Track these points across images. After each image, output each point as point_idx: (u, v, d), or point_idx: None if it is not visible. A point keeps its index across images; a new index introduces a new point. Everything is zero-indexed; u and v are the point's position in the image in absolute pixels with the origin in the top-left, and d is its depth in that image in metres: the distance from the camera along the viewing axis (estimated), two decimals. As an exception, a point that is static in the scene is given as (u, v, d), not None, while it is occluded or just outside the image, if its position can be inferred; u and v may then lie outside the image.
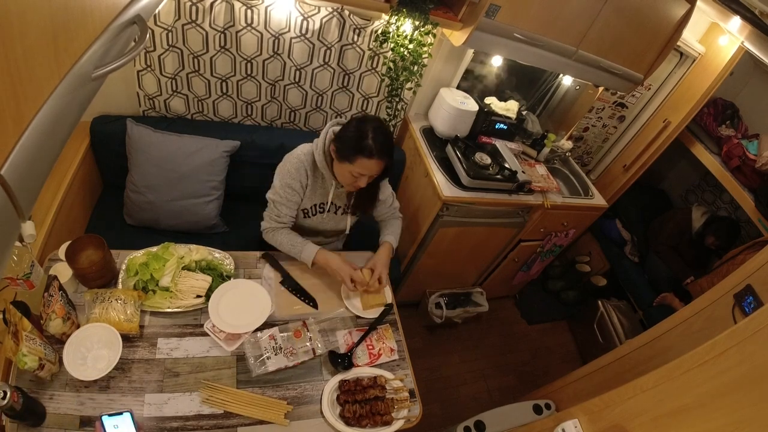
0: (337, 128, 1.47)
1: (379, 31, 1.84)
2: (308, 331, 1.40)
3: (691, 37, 2.41)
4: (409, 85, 2.03)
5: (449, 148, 2.17)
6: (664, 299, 2.67)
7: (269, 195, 1.53)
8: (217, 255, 1.53)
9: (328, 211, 1.59)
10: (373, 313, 1.57)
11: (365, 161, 1.35)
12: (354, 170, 1.37)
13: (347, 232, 1.69)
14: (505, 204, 2.16)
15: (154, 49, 1.71)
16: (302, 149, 1.50)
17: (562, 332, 3.13)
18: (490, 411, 1.76)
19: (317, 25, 1.77)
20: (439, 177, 2.05)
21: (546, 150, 2.44)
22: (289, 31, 1.78)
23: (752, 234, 2.71)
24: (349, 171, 1.38)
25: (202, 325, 1.37)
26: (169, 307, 1.35)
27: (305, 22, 1.76)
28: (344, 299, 1.55)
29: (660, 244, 2.90)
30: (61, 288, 1.18)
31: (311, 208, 1.58)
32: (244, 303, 1.40)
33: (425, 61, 1.94)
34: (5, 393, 0.93)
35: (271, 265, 1.58)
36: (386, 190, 1.66)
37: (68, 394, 1.13)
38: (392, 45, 1.86)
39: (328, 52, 1.88)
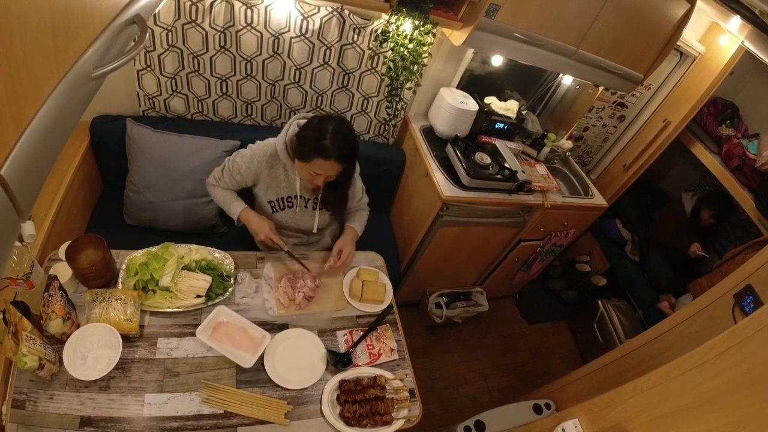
0: (302, 121, 1.47)
1: (379, 31, 1.84)
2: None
3: (691, 36, 2.41)
4: (409, 84, 2.03)
5: (449, 148, 2.17)
6: (663, 305, 2.68)
7: (226, 159, 1.56)
8: (217, 255, 1.53)
9: (298, 205, 1.58)
10: (369, 307, 1.57)
11: (322, 162, 1.33)
12: (311, 169, 1.37)
13: (314, 230, 1.65)
14: (505, 204, 2.15)
15: (154, 49, 1.71)
16: (268, 141, 1.51)
17: (562, 332, 3.13)
18: (490, 411, 1.76)
19: (317, 25, 1.77)
20: (439, 177, 2.05)
21: (546, 150, 2.44)
22: (288, 30, 1.78)
23: (752, 234, 2.71)
24: (306, 169, 1.38)
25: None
26: (169, 307, 1.35)
27: (305, 22, 1.76)
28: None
29: (659, 234, 2.93)
30: (61, 288, 1.18)
31: (277, 201, 1.57)
32: (300, 356, 1.39)
33: (425, 60, 1.94)
34: None
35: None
36: (355, 186, 1.66)
37: (68, 394, 1.13)
38: (392, 45, 1.86)
39: (328, 51, 1.88)
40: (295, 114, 2.09)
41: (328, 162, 1.33)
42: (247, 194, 1.65)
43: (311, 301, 1.52)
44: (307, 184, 1.51)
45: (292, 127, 1.45)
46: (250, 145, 1.53)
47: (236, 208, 1.56)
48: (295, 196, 1.55)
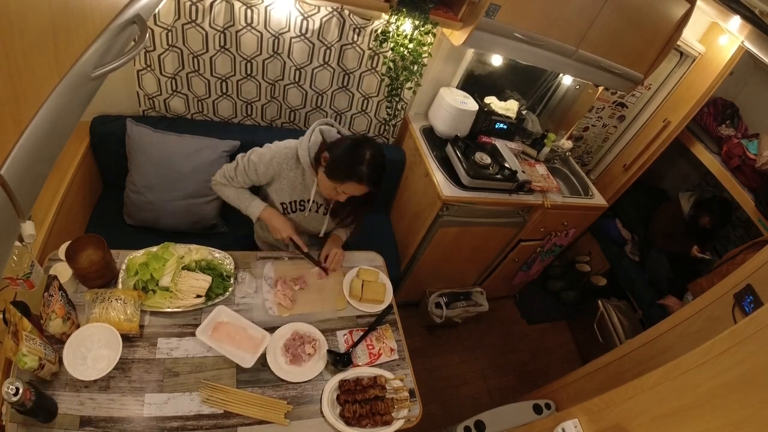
0: (325, 128, 1.47)
1: (379, 31, 1.84)
2: None
3: (691, 36, 2.41)
4: (409, 84, 2.03)
5: (449, 148, 2.17)
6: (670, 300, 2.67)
7: (239, 157, 1.53)
8: (217, 255, 1.53)
9: (310, 209, 1.58)
10: (369, 307, 1.58)
11: (355, 185, 1.35)
12: (340, 188, 1.38)
13: (321, 235, 1.65)
14: (505, 204, 2.15)
15: (154, 49, 1.71)
16: (288, 143, 1.51)
17: (562, 332, 3.13)
18: (490, 411, 1.76)
19: (317, 25, 1.77)
20: (439, 177, 2.05)
21: (546, 150, 2.44)
22: (288, 30, 1.78)
23: (752, 234, 2.71)
24: (334, 187, 1.39)
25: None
26: (169, 307, 1.35)
27: (305, 22, 1.76)
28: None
29: (655, 234, 2.92)
30: (61, 288, 1.18)
31: (290, 204, 1.57)
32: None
33: (425, 60, 1.94)
34: (18, 389, 0.93)
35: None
36: None
37: (68, 394, 1.13)
38: (392, 45, 1.86)
39: (328, 51, 1.88)
40: (295, 114, 2.11)
41: (360, 186, 1.35)
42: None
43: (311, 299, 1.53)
44: (325, 195, 1.51)
45: (315, 133, 1.45)
46: (268, 144, 1.51)
47: (256, 207, 1.55)
48: (308, 200, 1.55)
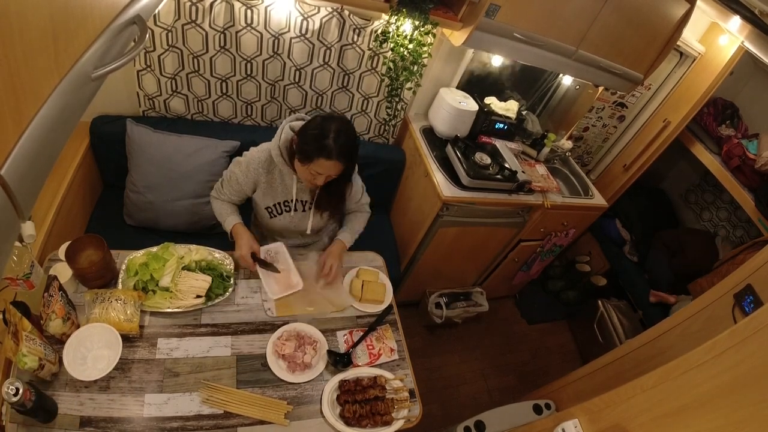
0: (295, 123, 1.46)
1: (379, 31, 1.84)
2: None
3: (691, 36, 2.41)
4: (409, 85, 2.03)
5: (449, 148, 2.17)
6: (659, 297, 2.66)
7: (224, 171, 1.56)
8: (217, 255, 1.53)
9: (295, 209, 1.57)
10: (369, 307, 1.57)
11: (324, 162, 1.32)
12: (312, 169, 1.35)
13: (308, 232, 1.64)
14: (505, 204, 2.15)
15: (154, 49, 1.71)
16: (262, 146, 1.50)
17: (562, 332, 3.13)
18: (490, 411, 1.76)
19: (317, 25, 1.77)
20: (439, 177, 2.05)
21: (546, 150, 2.44)
22: (288, 31, 1.78)
23: (752, 234, 2.71)
24: (307, 169, 1.36)
25: (202, 325, 1.37)
26: (169, 308, 1.35)
27: (305, 22, 1.76)
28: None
29: (679, 267, 2.76)
30: (61, 288, 1.18)
31: (275, 206, 1.56)
32: None
33: (425, 61, 1.94)
34: (17, 390, 0.93)
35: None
36: (355, 185, 1.63)
37: (68, 394, 1.13)
38: (392, 45, 1.86)
39: (328, 52, 1.88)
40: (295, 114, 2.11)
41: (330, 161, 1.32)
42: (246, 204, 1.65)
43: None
44: (306, 185, 1.50)
45: (285, 130, 1.44)
46: (245, 152, 1.51)
47: (229, 223, 1.54)
48: (292, 200, 1.54)
